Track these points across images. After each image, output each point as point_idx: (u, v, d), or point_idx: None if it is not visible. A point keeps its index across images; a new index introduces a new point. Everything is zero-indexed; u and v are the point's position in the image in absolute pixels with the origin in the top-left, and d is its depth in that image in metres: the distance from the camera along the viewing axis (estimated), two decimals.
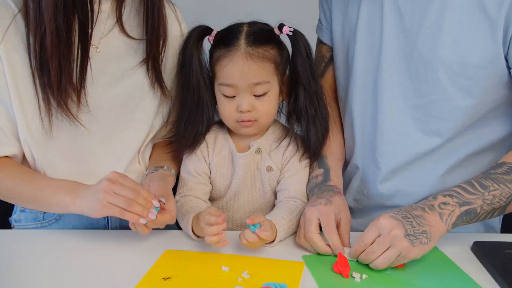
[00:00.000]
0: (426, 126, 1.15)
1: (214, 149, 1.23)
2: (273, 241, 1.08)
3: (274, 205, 1.23)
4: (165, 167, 1.21)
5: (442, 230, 0.99)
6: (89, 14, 1.07)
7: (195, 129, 1.20)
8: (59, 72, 1.06)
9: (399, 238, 0.96)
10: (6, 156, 1.14)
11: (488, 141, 1.17)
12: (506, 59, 1.07)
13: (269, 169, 1.21)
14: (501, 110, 1.15)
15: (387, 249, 0.97)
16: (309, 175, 1.23)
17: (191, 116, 1.20)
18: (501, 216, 1.28)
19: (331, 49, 1.32)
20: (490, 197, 1.02)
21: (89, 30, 1.08)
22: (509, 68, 1.08)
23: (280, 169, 1.22)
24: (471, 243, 1.09)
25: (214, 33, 1.19)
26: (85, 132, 1.15)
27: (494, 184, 1.03)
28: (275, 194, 1.24)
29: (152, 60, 1.19)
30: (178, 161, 1.26)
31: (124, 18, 1.16)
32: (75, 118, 1.12)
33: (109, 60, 1.16)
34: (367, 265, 1.00)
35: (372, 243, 0.98)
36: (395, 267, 1.00)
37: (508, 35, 1.04)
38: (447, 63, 1.09)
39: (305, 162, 1.23)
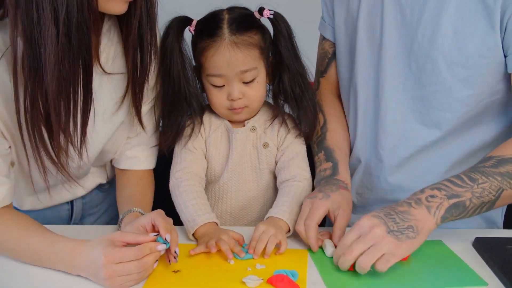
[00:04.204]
0: (427, 118, 1.17)
1: (211, 127, 1.24)
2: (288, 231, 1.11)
3: (271, 188, 1.25)
4: (134, 210, 1.14)
5: (430, 223, 0.96)
6: (91, 53, 0.95)
7: (177, 120, 1.20)
8: (58, 127, 0.95)
9: (381, 235, 0.93)
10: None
11: (489, 138, 1.18)
12: (503, 47, 1.08)
13: (266, 145, 1.23)
14: (501, 107, 1.15)
15: (369, 248, 0.93)
16: (317, 168, 1.24)
17: (173, 107, 1.20)
18: (503, 212, 1.30)
19: (334, 45, 1.33)
20: (479, 190, 0.99)
21: (92, 72, 0.98)
22: (505, 56, 1.09)
23: (277, 146, 1.24)
24: (473, 239, 1.10)
25: (194, 23, 1.18)
26: None
27: (483, 177, 1.00)
28: (273, 175, 1.25)
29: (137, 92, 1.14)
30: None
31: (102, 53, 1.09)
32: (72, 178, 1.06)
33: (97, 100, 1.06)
34: None
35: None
36: (399, 260, 1.01)
37: (504, 22, 1.05)
38: (447, 53, 1.10)
39: (301, 139, 1.24)
